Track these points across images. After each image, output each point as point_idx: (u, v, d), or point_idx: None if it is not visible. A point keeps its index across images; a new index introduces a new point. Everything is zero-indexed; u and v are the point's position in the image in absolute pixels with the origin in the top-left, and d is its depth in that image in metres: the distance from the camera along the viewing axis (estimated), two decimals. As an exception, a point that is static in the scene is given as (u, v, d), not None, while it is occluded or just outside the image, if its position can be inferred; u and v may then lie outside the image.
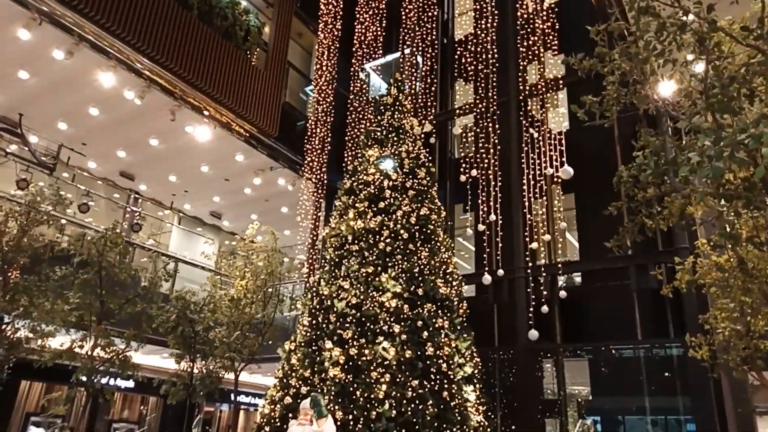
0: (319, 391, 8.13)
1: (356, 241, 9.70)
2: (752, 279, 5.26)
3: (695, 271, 6.73)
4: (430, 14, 14.43)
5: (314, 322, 9.29)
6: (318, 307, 9.40)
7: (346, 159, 15.10)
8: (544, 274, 12.01)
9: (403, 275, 9.24)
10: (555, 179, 10.21)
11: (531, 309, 11.07)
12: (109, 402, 14.22)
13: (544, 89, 12.35)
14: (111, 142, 15.31)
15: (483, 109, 13.05)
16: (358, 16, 15.64)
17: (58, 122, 14.38)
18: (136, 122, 14.15)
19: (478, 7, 13.48)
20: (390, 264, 9.37)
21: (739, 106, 4.12)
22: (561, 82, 12.36)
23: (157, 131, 14.64)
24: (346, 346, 8.50)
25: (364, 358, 8.24)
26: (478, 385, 9.42)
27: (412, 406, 7.81)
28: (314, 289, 9.87)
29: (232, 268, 14.20)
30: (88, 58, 12.01)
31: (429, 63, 14.40)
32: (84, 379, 11.50)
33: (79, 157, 15.74)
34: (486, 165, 12.19)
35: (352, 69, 15.95)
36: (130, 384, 16.98)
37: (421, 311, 8.89)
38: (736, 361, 6.75)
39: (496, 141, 12.47)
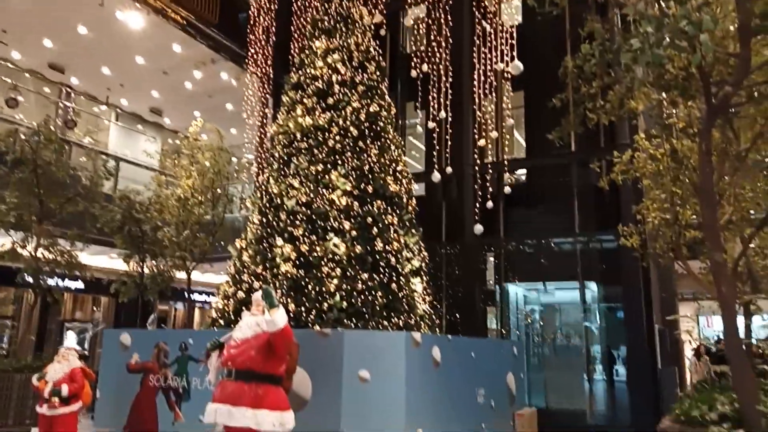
0: (271, 285, 8.29)
1: (305, 139, 9.54)
2: (683, 169, 5.52)
3: (632, 161, 7.02)
4: None
5: (264, 220, 9.29)
6: (268, 205, 9.37)
7: (292, 51, 14.42)
8: (491, 171, 12.26)
9: (353, 173, 9.23)
10: (505, 75, 10.15)
11: (477, 205, 11.38)
12: (59, 302, 14.23)
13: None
14: (35, 29, 14.06)
15: None
16: None
17: (-30, 7, 13.03)
18: (62, 7, 12.96)
19: None
20: (340, 162, 9.31)
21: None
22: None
23: (85, 18, 13.50)
24: (297, 243, 8.60)
25: (315, 254, 8.40)
26: (425, 278, 9.82)
27: (362, 297, 8.11)
28: (263, 187, 9.78)
29: (177, 167, 13.84)
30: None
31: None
32: (30, 279, 11.36)
33: (1, 46, 14.48)
34: (437, 60, 11.93)
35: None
36: (80, 285, 16.91)
37: (371, 208, 8.99)
38: (664, 248, 7.26)
39: (448, 34, 12.13)
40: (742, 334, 6.02)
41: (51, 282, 11.95)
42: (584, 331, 11.95)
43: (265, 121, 14.94)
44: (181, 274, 13.38)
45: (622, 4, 4.25)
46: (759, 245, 7.30)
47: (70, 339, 7.85)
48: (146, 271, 13.09)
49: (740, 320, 7.55)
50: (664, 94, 4.60)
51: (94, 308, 19.64)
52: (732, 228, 6.09)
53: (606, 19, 4.64)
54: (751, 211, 6.59)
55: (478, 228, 10.63)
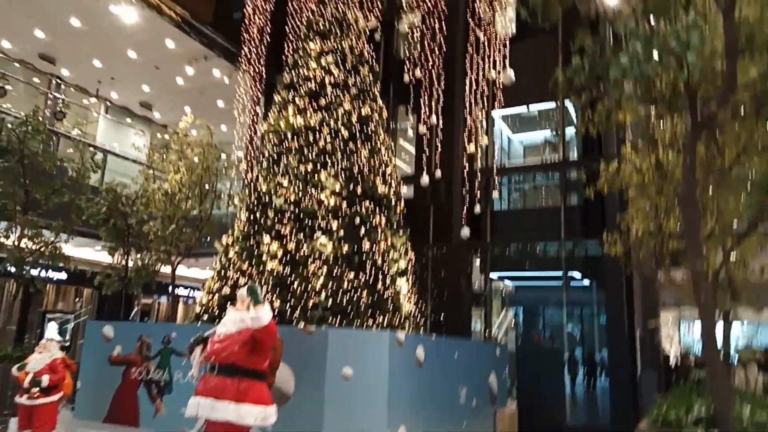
0: (257, 282, 8.32)
1: (295, 138, 9.57)
2: (667, 181, 5.64)
3: (618, 172, 7.15)
4: None
5: (252, 217, 9.31)
6: (256, 202, 9.39)
7: (286, 52, 14.44)
8: (479, 176, 12.38)
9: (343, 174, 9.29)
10: (497, 84, 10.27)
11: (465, 208, 11.49)
12: (42, 292, 14.08)
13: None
14: (26, 18, 13.92)
15: (431, 5, 12.65)
16: None
17: (-41, -7, 12.88)
18: (55, -2, 12.88)
19: None
20: (330, 162, 9.36)
21: (675, 12, 4.21)
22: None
23: (77, 9, 13.39)
24: (284, 241, 8.63)
25: (302, 252, 8.43)
26: (411, 278, 9.90)
27: (348, 296, 8.16)
28: (252, 184, 9.80)
29: (166, 162, 13.78)
30: None
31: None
32: (12, 269, 11.25)
33: (-10, 35, 14.34)
34: (430, 66, 12.03)
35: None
36: (63, 276, 16.75)
37: (359, 209, 9.05)
38: (647, 258, 7.40)
39: (442, 41, 12.25)
40: (720, 341, 6.17)
41: (34, 272, 11.84)
42: (566, 335, 12.11)
43: (255, 119, 14.92)
44: (165, 268, 13.32)
45: (613, 20, 4.36)
46: (740, 256, 7.46)
47: (51, 330, 7.80)
48: (131, 264, 13.02)
49: (720, 327, 7.72)
50: (651, 109, 4.71)
51: (77, 299, 19.47)
52: (714, 239, 6.24)
53: (597, 36, 4.75)
54: (734, 223, 6.74)
55: (465, 232, 10.75)
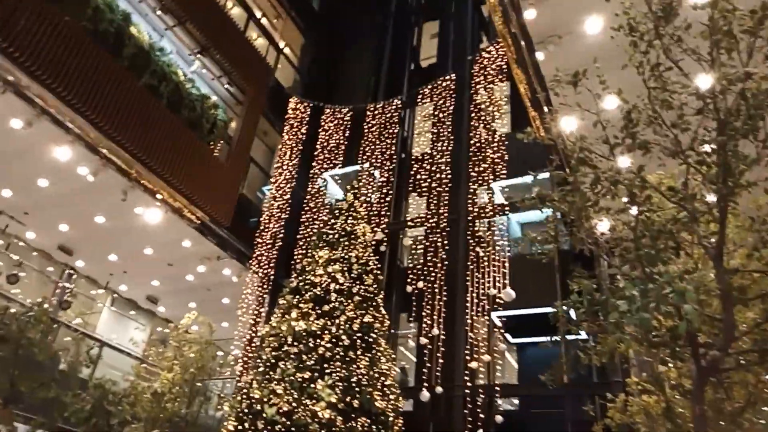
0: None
1: (295, 343, 9.46)
2: (678, 428, 5.38)
3: (626, 408, 6.84)
4: (391, 131, 15.25)
5: (240, 427, 8.77)
6: (246, 411, 8.92)
7: (295, 258, 15.03)
8: (481, 395, 11.90)
9: (341, 384, 8.98)
10: (497, 300, 10.48)
11: (467, 430, 10.83)
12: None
13: (491, 213, 12.91)
14: (55, 214, 14.82)
15: (433, 224, 13.47)
16: (323, 123, 16.34)
17: (2, 189, 13.90)
18: (85, 198, 13.82)
19: (435, 130, 14.39)
20: (328, 371, 9.11)
21: (667, 256, 4.43)
22: (507, 207, 12.99)
23: (104, 209, 14.30)
24: (271, 459, 8.02)
25: (288, 475, 7.77)
26: None
27: None
28: (245, 391, 9.42)
29: (161, 358, 13.50)
30: (46, 131, 11.88)
31: (386, 175, 14.96)
32: (-28, 471, 10.37)
33: (18, 225, 15.12)
34: (432, 278, 12.39)
35: (311, 172, 16.36)
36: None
37: (354, 425, 8.58)
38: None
39: (444, 256, 12.77)
40: None
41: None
42: None
43: (258, 320, 14.95)
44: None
45: (609, 262, 4.58)
46: None
47: None
48: (102, 470, 11.97)
49: None
50: (653, 350, 4.72)
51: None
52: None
53: (593, 270, 4.97)
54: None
55: (466, 456, 9.98)
